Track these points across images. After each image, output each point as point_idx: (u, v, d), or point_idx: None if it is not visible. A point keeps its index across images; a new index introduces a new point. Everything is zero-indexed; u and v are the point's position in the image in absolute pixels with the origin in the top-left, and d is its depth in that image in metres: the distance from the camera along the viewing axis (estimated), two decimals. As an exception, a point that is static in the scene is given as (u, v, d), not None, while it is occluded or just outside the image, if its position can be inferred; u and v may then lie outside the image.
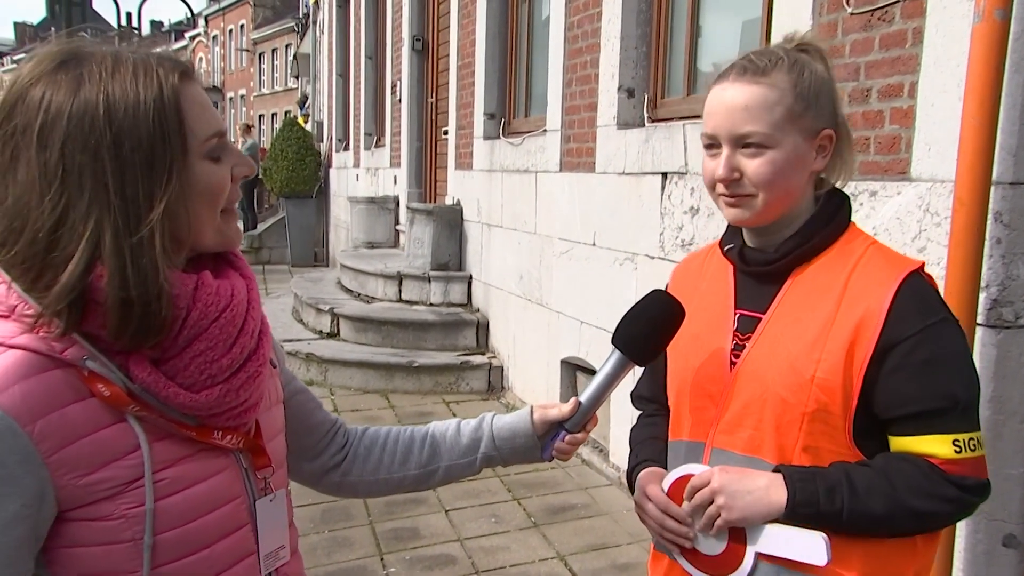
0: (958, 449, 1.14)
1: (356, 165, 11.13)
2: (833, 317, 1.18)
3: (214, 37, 42.86)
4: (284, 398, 1.17)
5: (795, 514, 1.15)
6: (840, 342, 1.16)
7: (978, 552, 2.21)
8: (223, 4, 40.06)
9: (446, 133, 7.40)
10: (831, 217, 1.25)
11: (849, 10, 2.62)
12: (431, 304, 6.63)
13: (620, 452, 4.26)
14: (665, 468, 1.37)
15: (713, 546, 1.23)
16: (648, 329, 1.23)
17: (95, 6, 17.66)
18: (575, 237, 4.71)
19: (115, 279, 0.83)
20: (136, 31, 19.48)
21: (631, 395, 1.58)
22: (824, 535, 1.14)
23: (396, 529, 3.66)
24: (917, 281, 1.18)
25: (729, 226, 1.34)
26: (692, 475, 1.25)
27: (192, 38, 43.71)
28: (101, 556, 0.88)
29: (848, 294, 1.18)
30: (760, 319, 1.26)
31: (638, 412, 1.57)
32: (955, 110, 2.13)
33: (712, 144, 1.25)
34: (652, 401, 1.51)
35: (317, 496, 1.52)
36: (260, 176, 12.56)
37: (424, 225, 6.71)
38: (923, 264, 1.22)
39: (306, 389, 1.27)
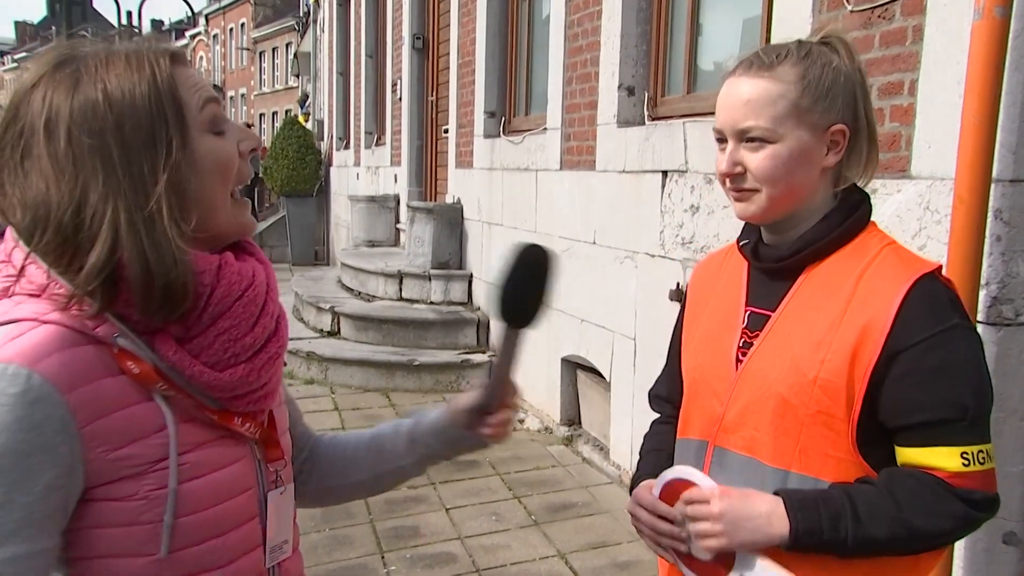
0: (966, 462, 1.10)
1: (357, 164, 11.13)
2: (841, 317, 1.15)
3: (214, 36, 42.88)
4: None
5: (798, 544, 1.12)
6: (845, 344, 1.13)
7: (978, 550, 2.21)
8: (223, 3, 40.07)
9: (446, 131, 7.40)
10: (848, 215, 1.22)
11: (849, 7, 2.62)
12: (432, 302, 6.63)
13: (620, 450, 4.27)
14: None
15: (700, 552, 1.21)
16: (512, 293, 1.12)
17: (95, 5, 17.66)
18: (575, 235, 4.71)
19: (133, 252, 0.86)
20: (136, 30, 19.49)
21: (649, 394, 1.56)
22: None
23: (397, 527, 3.66)
24: (930, 284, 1.14)
25: (746, 223, 1.32)
26: (685, 480, 1.23)
27: (192, 37, 43.73)
28: (121, 538, 0.89)
29: (858, 295, 1.15)
30: (770, 317, 1.24)
31: (655, 415, 1.54)
32: (955, 108, 2.13)
33: (721, 139, 1.24)
34: (668, 401, 1.48)
35: (317, 494, 1.52)
36: (260, 175, 12.56)
37: (425, 224, 6.71)
38: (939, 266, 1.18)
39: (294, 400, 1.28)
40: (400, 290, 6.78)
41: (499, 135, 6.08)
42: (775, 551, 1.15)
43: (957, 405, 1.11)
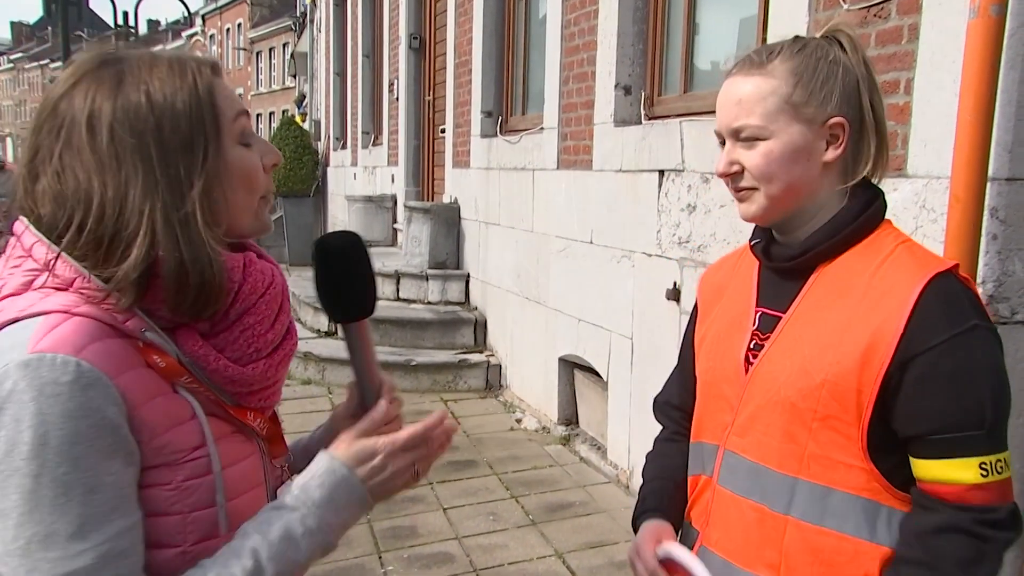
0: (985, 473, 1.05)
1: (354, 164, 11.12)
2: (851, 319, 1.11)
3: (211, 36, 42.82)
4: None
5: None
6: (856, 346, 1.09)
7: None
8: (220, 3, 40.02)
9: (443, 131, 7.39)
10: (860, 212, 1.18)
11: (845, 6, 2.62)
12: (429, 302, 6.63)
13: (618, 450, 4.27)
14: (672, 520, 1.34)
15: None
16: (329, 287, 1.06)
17: (91, 5, 17.63)
18: (572, 235, 4.71)
19: (170, 251, 0.89)
20: (133, 30, 19.45)
21: (656, 402, 1.52)
22: None
23: (394, 527, 3.66)
24: (946, 283, 1.09)
25: None
26: (685, 567, 1.21)
27: (189, 37, 43.65)
28: (149, 529, 0.89)
29: (870, 295, 1.12)
30: (780, 318, 1.21)
31: (660, 426, 1.51)
32: (951, 106, 2.13)
33: (722, 140, 1.23)
34: (679, 409, 1.44)
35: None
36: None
37: (422, 223, 6.71)
38: (956, 264, 1.13)
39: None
40: (397, 290, 6.78)
41: (496, 135, 6.08)
42: None
43: (975, 413, 1.06)
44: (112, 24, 19.49)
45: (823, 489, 1.13)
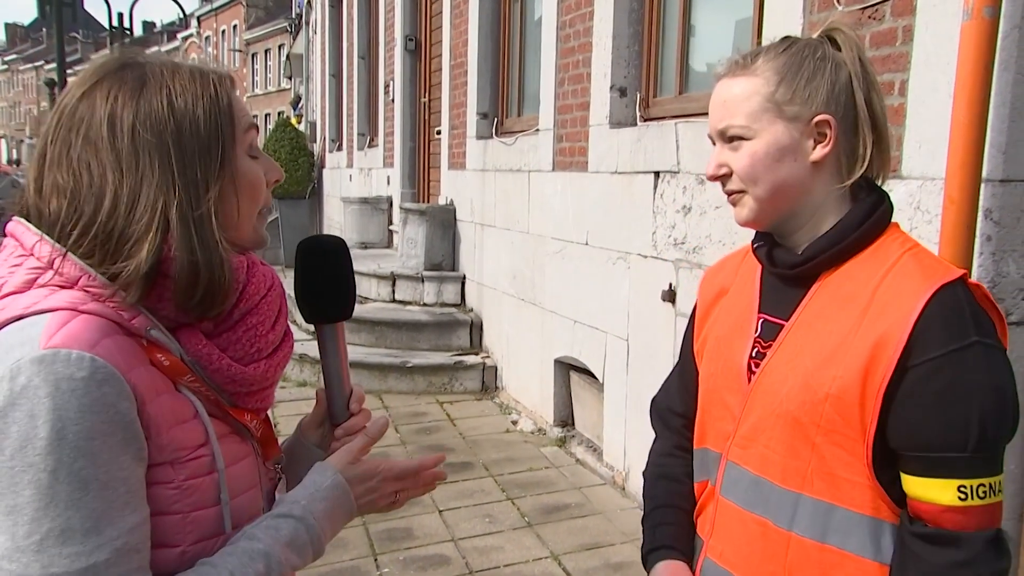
0: (963, 496, 1.02)
1: (349, 165, 11.11)
2: (855, 330, 1.08)
3: (206, 38, 42.75)
4: None
5: None
6: (858, 359, 1.06)
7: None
8: (215, 5, 39.96)
9: (439, 133, 7.39)
10: (864, 217, 1.14)
11: (840, 8, 2.62)
12: (425, 304, 6.62)
13: (614, 452, 4.26)
14: (687, 555, 1.31)
15: None
16: (308, 290, 1.10)
17: (86, 6, 17.59)
18: (568, 236, 4.71)
19: (184, 246, 0.90)
20: (128, 32, 19.42)
21: (656, 407, 1.48)
22: None
23: (390, 529, 3.65)
24: (952, 294, 1.05)
25: None
26: None
27: (184, 39, 43.60)
28: (151, 527, 0.89)
29: (874, 306, 1.08)
30: (783, 326, 1.18)
31: (655, 434, 1.48)
32: (945, 108, 2.13)
33: (714, 143, 1.22)
34: (682, 416, 1.40)
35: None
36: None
37: (417, 225, 6.71)
38: (965, 274, 1.09)
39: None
40: (393, 292, 6.78)
41: (492, 136, 6.08)
42: None
43: (959, 434, 1.02)
44: (107, 26, 19.47)
45: (827, 506, 1.11)
